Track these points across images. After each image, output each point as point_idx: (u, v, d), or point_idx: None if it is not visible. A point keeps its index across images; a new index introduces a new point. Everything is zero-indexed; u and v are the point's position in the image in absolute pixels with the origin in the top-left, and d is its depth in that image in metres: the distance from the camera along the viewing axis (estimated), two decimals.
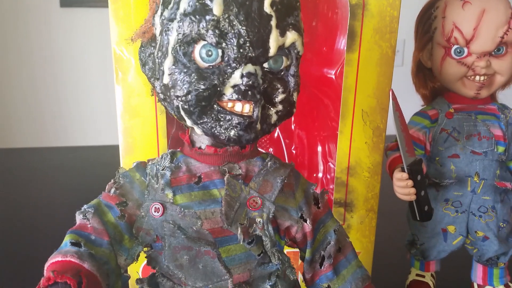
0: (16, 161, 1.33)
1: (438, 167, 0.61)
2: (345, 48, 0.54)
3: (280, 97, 0.36)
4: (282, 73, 0.36)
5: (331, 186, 0.63)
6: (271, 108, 0.36)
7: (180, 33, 0.33)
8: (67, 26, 1.70)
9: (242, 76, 0.33)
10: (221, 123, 0.35)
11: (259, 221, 0.37)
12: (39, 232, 0.86)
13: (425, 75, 0.64)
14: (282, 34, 0.34)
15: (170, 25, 0.34)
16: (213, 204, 0.37)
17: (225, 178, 0.37)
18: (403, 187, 0.53)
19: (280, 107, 0.36)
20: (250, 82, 0.33)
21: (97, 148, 1.41)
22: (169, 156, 0.39)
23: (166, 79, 0.35)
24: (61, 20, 1.69)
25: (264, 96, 0.35)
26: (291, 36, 0.35)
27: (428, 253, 0.64)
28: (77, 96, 1.79)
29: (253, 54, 0.33)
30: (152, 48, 0.37)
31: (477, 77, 0.58)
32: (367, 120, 0.57)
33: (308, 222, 0.39)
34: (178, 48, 0.34)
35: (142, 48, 0.38)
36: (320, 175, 0.68)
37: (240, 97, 0.34)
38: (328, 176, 0.67)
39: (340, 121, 0.56)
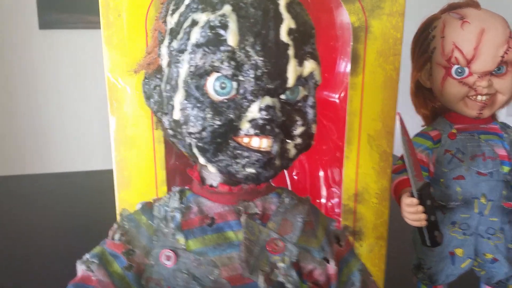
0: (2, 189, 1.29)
1: (443, 189, 0.59)
2: (347, 71, 0.53)
3: (299, 130, 0.33)
4: (300, 104, 0.34)
5: (336, 211, 0.61)
6: (289, 142, 0.34)
7: (192, 65, 0.31)
8: (47, 48, 1.66)
9: (260, 110, 0.31)
10: (238, 160, 0.32)
11: (281, 266, 0.34)
12: (34, 258, 0.82)
13: (425, 95, 0.63)
14: (300, 63, 0.32)
15: (180, 56, 0.31)
16: (229, 248, 0.34)
17: (242, 220, 0.34)
18: (414, 213, 0.52)
19: (299, 140, 0.34)
20: (269, 116, 0.31)
21: (85, 173, 1.37)
22: (177, 195, 0.36)
23: (177, 115, 0.32)
24: (40, 42, 1.65)
25: (282, 129, 0.33)
26: (309, 66, 0.33)
27: (436, 277, 0.62)
28: (60, 121, 1.73)
29: (272, 86, 0.31)
30: (157, 80, 0.35)
31: (479, 97, 0.57)
32: (373, 144, 0.55)
33: (330, 263, 0.37)
34: (189, 81, 0.31)
35: (146, 80, 0.36)
36: (323, 200, 0.65)
37: (258, 132, 0.31)
38: (332, 202, 0.64)
39: (346, 146, 0.54)
